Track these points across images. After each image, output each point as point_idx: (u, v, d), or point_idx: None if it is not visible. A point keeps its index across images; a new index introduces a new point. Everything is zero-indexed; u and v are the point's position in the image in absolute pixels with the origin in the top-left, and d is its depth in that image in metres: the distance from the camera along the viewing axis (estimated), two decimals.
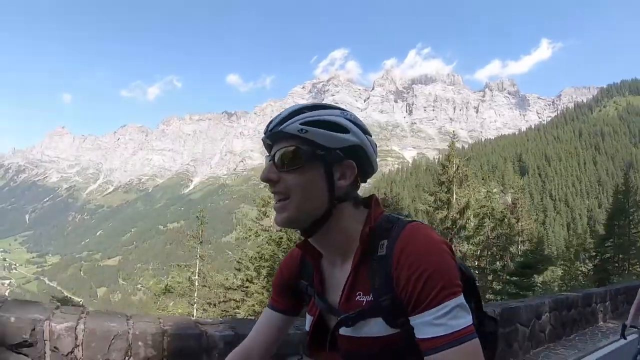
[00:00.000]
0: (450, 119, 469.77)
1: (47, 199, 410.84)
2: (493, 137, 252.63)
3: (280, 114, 1.12)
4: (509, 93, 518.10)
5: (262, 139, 1.16)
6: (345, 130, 1.06)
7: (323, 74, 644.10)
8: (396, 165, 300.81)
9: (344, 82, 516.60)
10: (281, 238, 19.57)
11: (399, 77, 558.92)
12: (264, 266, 19.48)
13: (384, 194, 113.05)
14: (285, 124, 1.07)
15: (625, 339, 4.47)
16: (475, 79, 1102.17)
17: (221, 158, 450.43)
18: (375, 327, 1.05)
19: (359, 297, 1.08)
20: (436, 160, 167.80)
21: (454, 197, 23.37)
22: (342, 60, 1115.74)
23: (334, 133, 1.05)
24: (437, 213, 23.55)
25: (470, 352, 0.92)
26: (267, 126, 1.13)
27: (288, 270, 1.34)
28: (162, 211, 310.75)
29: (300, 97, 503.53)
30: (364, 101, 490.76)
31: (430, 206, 24.49)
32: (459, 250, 22.46)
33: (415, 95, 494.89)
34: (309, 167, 1.05)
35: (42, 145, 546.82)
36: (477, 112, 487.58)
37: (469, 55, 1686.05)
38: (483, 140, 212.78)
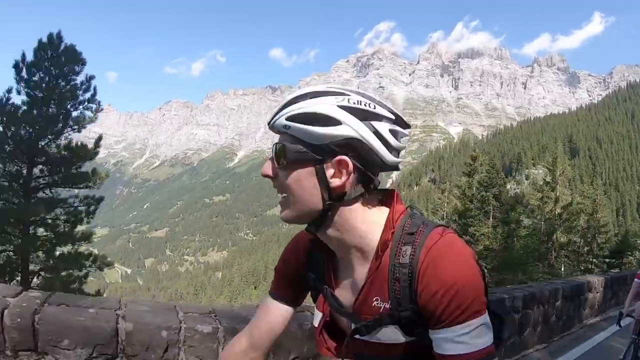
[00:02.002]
0: (497, 94, 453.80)
1: None
2: (541, 115, 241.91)
3: (280, 103, 1.02)
4: (559, 69, 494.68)
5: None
6: (335, 122, 0.94)
7: (368, 47, 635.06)
8: (441, 142, 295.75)
9: (389, 55, 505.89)
10: None
11: (444, 50, 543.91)
12: None
13: (432, 170, 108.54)
14: (274, 119, 1.00)
15: (620, 326, 4.91)
16: (524, 54, 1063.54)
17: (265, 132, 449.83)
18: (391, 334, 1.04)
19: (376, 302, 1.03)
20: (483, 138, 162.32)
21: (558, 194, 27.17)
22: (388, 33, 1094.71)
23: (319, 128, 0.94)
24: (545, 207, 27.29)
25: None
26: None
27: (295, 258, 1.24)
28: (207, 185, 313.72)
29: (344, 71, 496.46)
30: (409, 75, 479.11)
31: (538, 201, 27.85)
32: (560, 239, 26.16)
33: (462, 69, 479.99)
34: (296, 165, 0.98)
35: None
36: (524, 88, 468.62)
37: (517, 29, 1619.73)
38: (532, 118, 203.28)
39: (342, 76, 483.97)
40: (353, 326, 1.09)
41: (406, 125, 1.02)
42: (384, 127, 0.96)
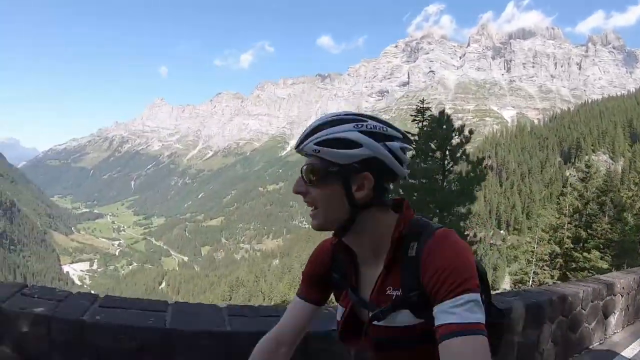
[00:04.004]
0: (551, 76, 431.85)
1: (150, 166, 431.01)
2: (598, 97, 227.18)
3: (305, 130, 1.25)
4: (614, 48, 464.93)
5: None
6: (357, 145, 1.17)
7: (416, 31, 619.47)
8: (495, 126, 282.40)
9: (438, 39, 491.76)
10: None
11: (495, 31, 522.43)
12: None
13: (488, 157, 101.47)
14: (303, 144, 1.20)
15: None
16: (577, 32, 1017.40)
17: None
18: (403, 318, 1.23)
19: (389, 291, 1.25)
20: (538, 122, 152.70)
21: None
22: (437, 15, 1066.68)
23: (345, 150, 1.16)
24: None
25: (477, 345, 1.03)
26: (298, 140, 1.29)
27: (319, 262, 1.46)
28: (260, 174, 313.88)
29: (393, 56, 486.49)
30: (460, 58, 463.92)
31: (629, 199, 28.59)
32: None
33: (514, 50, 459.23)
34: (326, 182, 1.20)
35: (143, 117, 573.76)
36: (579, 68, 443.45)
37: (570, 6, 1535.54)
38: (590, 101, 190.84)
39: (391, 62, 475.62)
40: (371, 314, 1.28)
41: (410, 142, 1.28)
42: (396, 146, 1.21)
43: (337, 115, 1.23)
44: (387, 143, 1.20)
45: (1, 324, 1.93)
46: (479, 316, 1.06)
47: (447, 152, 16.29)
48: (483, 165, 17.15)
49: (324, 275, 1.45)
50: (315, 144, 1.18)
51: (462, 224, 16.16)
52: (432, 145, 16.56)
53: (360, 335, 1.36)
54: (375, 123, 1.21)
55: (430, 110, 19.23)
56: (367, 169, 1.18)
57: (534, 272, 24.48)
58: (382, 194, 1.25)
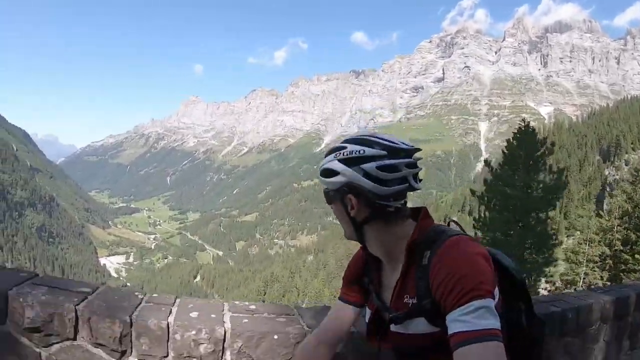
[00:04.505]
0: (589, 71, 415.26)
1: (186, 162, 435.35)
2: (637, 93, 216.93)
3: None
4: None
5: None
6: (335, 173, 1.36)
7: (451, 26, 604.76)
8: (532, 123, 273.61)
9: (473, 33, 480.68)
10: None
11: (531, 25, 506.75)
12: None
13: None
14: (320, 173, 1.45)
15: None
16: (615, 25, 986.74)
17: (351, 117, 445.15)
18: (419, 325, 1.30)
19: (406, 299, 1.34)
20: (576, 118, 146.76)
21: None
22: (471, 9, 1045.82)
23: (329, 179, 1.38)
24: None
25: (491, 351, 1.05)
26: None
27: (355, 266, 1.64)
28: (295, 170, 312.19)
29: (427, 52, 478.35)
30: (495, 53, 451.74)
31: None
32: None
33: (550, 45, 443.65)
34: (332, 203, 1.44)
35: (178, 114, 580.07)
36: (618, 63, 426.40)
37: None
38: (629, 97, 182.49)
39: (425, 57, 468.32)
40: (388, 319, 1.40)
41: (404, 153, 1.37)
42: (371, 167, 1.32)
43: (333, 146, 1.43)
44: (362, 165, 1.33)
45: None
46: (492, 322, 1.08)
47: (531, 162, 17.20)
48: (564, 176, 18.75)
49: (360, 279, 1.59)
50: (320, 173, 1.43)
51: (539, 228, 16.69)
52: (519, 155, 17.41)
53: (385, 337, 1.44)
54: (353, 148, 1.35)
55: (532, 129, 19.30)
56: (349, 192, 1.36)
57: (584, 273, 23.09)
58: (381, 209, 1.36)
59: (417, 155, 1.40)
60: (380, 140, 1.35)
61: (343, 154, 1.35)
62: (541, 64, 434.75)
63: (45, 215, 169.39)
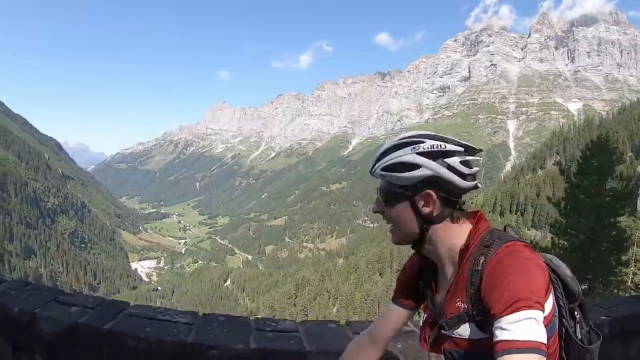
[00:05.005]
0: (618, 64, 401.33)
1: (214, 167, 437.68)
2: None
3: (374, 155, 1.44)
4: None
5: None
6: (416, 166, 1.31)
7: (475, 23, 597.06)
8: (561, 120, 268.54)
9: (498, 30, 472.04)
10: None
11: (556, 20, 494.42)
12: None
13: (557, 153, 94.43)
14: (373, 169, 1.40)
15: None
16: None
17: (378, 119, 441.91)
18: (469, 331, 1.30)
19: (458, 303, 1.34)
20: (607, 114, 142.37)
21: None
22: (495, 6, 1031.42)
23: (406, 173, 1.32)
24: None
25: None
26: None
27: (410, 269, 1.61)
28: (323, 173, 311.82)
29: (453, 51, 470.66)
30: (521, 50, 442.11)
31: None
32: None
33: (577, 39, 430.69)
34: (396, 202, 1.38)
35: (205, 120, 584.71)
36: None
37: None
38: None
39: (450, 57, 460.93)
40: (439, 323, 1.40)
41: (475, 151, 1.39)
42: (455, 161, 1.32)
43: (400, 140, 1.38)
44: (446, 160, 1.32)
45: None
46: (537, 335, 1.06)
47: (605, 170, 17.43)
48: (632, 182, 19.09)
49: (414, 283, 1.58)
50: (381, 169, 1.37)
51: (613, 232, 16.94)
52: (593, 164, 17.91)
53: (436, 341, 1.45)
54: (432, 142, 1.33)
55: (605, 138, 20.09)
56: (429, 187, 1.32)
57: (633, 273, 22.33)
58: (452, 207, 1.36)
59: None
60: (449, 138, 1.37)
61: (423, 148, 1.33)
62: (568, 59, 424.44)
63: (77, 221, 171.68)
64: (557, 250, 16.29)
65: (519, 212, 79.36)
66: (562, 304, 1.32)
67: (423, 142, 1.33)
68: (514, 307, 1.08)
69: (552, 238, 17.79)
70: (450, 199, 1.35)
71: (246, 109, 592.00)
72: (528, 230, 77.22)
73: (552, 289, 1.29)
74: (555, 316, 1.30)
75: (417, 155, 1.31)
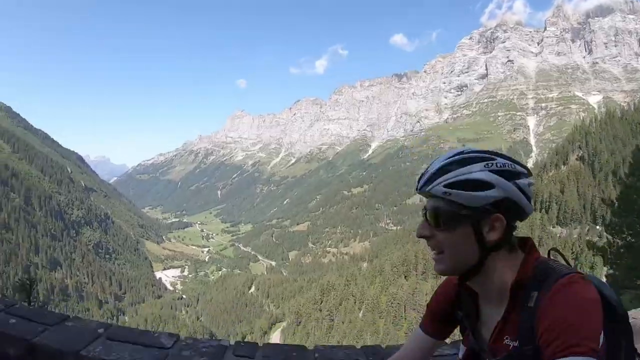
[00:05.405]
0: (636, 54, 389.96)
1: (235, 175, 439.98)
2: None
3: (428, 170, 1.25)
4: None
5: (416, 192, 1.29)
6: (489, 185, 1.16)
7: (490, 20, 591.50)
8: (581, 113, 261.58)
9: (513, 26, 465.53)
10: None
11: (571, 12, 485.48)
12: None
13: (579, 147, 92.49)
14: (431, 185, 1.21)
15: None
16: None
17: (397, 120, 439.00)
18: None
19: (506, 340, 1.22)
20: (628, 106, 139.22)
21: None
22: (509, 1, 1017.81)
23: (477, 193, 1.15)
24: None
25: None
26: (418, 180, 1.28)
27: (445, 297, 1.47)
28: (344, 177, 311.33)
29: (469, 48, 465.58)
30: (538, 44, 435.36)
31: None
32: None
33: (593, 30, 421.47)
34: (456, 225, 1.19)
35: (225, 129, 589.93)
36: None
37: None
38: None
39: (467, 55, 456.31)
40: None
41: (531, 174, 1.26)
42: (524, 183, 1.20)
43: (463, 154, 1.22)
44: (517, 181, 1.19)
45: None
46: None
47: None
48: None
49: (448, 311, 1.44)
50: (444, 186, 1.18)
51: None
52: None
53: None
54: (503, 160, 1.19)
55: None
56: (499, 210, 1.17)
57: None
58: (512, 233, 1.23)
59: None
60: (513, 158, 1.25)
61: (496, 165, 1.18)
62: (585, 51, 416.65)
63: (101, 233, 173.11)
64: (613, 249, 15.73)
65: (543, 210, 77.34)
66: (608, 330, 1.15)
67: (494, 159, 1.20)
68: (567, 351, 1.01)
69: (606, 238, 17.42)
70: (513, 225, 1.23)
71: (265, 116, 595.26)
72: (553, 227, 75.55)
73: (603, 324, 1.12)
74: (605, 349, 1.15)
75: (490, 173, 1.17)
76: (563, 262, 1.26)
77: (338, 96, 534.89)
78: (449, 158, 1.22)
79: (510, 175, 1.18)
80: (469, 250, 1.20)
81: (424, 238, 1.25)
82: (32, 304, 12.17)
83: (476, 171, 1.16)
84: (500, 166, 1.18)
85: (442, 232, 1.21)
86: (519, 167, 1.21)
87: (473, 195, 1.15)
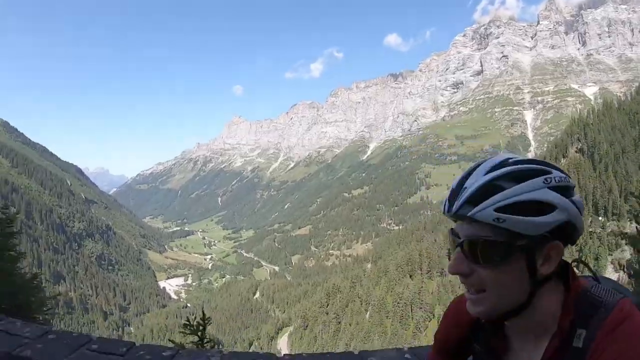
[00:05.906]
0: (630, 44, 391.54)
1: (235, 181, 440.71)
2: None
3: (465, 186, 0.96)
4: None
5: (445, 214, 0.99)
6: (551, 208, 0.91)
7: (483, 16, 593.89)
8: (578, 105, 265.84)
9: (506, 21, 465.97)
10: None
11: (564, 4, 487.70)
12: None
13: (578, 139, 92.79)
14: (475, 210, 0.92)
15: None
16: None
17: (394, 120, 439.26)
18: None
19: None
20: (625, 96, 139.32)
21: None
22: None
23: (538, 218, 0.90)
24: None
25: None
26: (450, 198, 0.98)
27: (456, 326, 1.20)
28: (344, 179, 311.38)
29: (463, 46, 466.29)
30: (532, 38, 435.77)
31: None
32: None
33: (586, 22, 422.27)
34: (507, 260, 0.93)
35: (223, 135, 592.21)
36: None
37: None
38: None
39: (461, 52, 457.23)
40: None
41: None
42: (579, 201, 0.95)
43: (511, 164, 0.97)
44: (573, 198, 0.95)
45: None
46: None
47: None
48: None
49: (461, 342, 1.19)
50: (496, 210, 0.90)
51: None
52: None
53: None
54: (559, 173, 0.95)
55: None
56: (559, 237, 0.93)
57: None
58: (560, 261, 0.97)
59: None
60: (557, 166, 0.98)
61: (555, 180, 0.93)
62: (579, 43, 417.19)
63: (103, 244, 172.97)
64: None
65: None
66: None
67: (551, 171, 0.95)
68: None
69: (637, 228, 16.77)
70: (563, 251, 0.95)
71: (262, 121, 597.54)
72: None
73: None
74: None
75: (551, 192, 0.92)
76: (588, 272, 1.09)
77: (334, 98, 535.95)
78: (494, 170, 0.95)
79: (568, 191, 0.94)
80: (518, 288, 0.95)
81: (460, 275, 0.99)
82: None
83: (534, 189, 0.90)
84: (559, 181, 0.93)
85: (486, 268, 0.94)
86: (571, 181, 0.97)
87: (534, 222, 0.89)
